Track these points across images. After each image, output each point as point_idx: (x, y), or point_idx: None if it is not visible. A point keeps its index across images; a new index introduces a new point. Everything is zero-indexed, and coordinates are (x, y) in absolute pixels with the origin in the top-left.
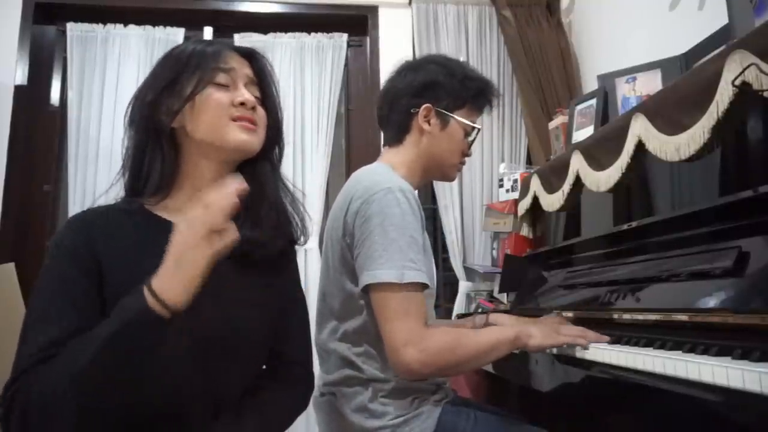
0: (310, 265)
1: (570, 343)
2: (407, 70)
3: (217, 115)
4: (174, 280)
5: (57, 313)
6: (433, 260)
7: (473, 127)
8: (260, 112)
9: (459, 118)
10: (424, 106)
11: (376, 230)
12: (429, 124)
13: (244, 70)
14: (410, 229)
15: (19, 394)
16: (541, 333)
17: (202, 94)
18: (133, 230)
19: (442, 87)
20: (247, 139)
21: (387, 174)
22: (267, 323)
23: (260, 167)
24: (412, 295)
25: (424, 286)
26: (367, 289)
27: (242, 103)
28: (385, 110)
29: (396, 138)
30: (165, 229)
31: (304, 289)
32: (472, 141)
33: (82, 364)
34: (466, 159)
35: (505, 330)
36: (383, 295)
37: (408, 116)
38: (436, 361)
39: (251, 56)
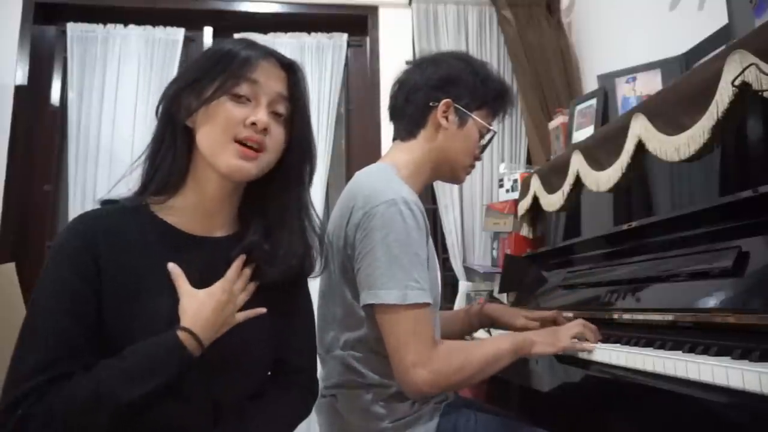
0: None
1: (569, 348)
2: (428, 62)
3: (222, 131)
4: (210, 326)
5: (59, 327)
6: (438, 269)
7: (489, 129)
8: (275, 134)
9: (477, 118)
10: (444, 100)
11: (378, 246)
12: (447, 120)
13: (273, 83)
14: (414, 246)
15: (35, 413)
16: (542, 341)
17: (218, 101)
18: (134, 231)
19: (463, 84)
20: (241, 165)
21: (390, 180)
22: (273, 338)
23: (286, 189)
24: (418, 314)
25: (427, 305)
26: (370, 306)
27: (253, 123)
28: (401, 101)
29: (409, 131)
30: (165, 232)
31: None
32: (485, 145)
33: (123, 397)
34: (476, 163)
35: (507, 340)
36: (388, 317)
37: (425, 109)
38: (445, 380)
39: (288, 68)
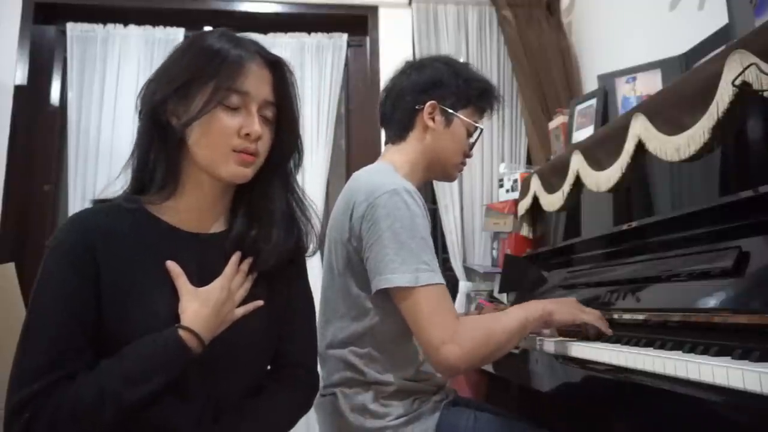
0: (311, 265)
1: (590, 321)
2: (412, 69)
3: (219, 143)
4: (211, 324)
5: (60, 327)
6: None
7: (476, 127)
8: (265, 138)
9: (463, 117)
10: (429, 102)
11: (385, 234)
12: (433, 121)
13: (261, 90)
14: (420, 231)
15: (42, 415)
16: (563, 309)
17: (210, 113)
18: (130, 229)
19: (447, 86)
20: (241, 172)
21: (389, 175)
22: (273, 331)
23: (269, 182)
24: (434, 294)
25: (441, 285)
26: (381, 293)
27: (248, 134)
28: (389, 108)
29: (399, 135)
30: (162, 229)
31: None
32: (474, 142)
33: (127, 398)
34: (467, 160)
35: (528, 308)
36: (406, 301)
37: (412, 113)
38: (474, 353)
39: (274, 66)
